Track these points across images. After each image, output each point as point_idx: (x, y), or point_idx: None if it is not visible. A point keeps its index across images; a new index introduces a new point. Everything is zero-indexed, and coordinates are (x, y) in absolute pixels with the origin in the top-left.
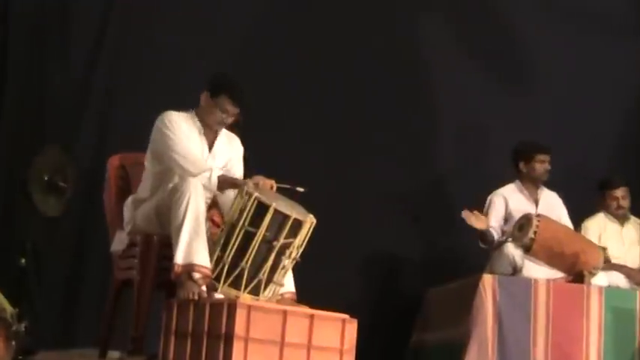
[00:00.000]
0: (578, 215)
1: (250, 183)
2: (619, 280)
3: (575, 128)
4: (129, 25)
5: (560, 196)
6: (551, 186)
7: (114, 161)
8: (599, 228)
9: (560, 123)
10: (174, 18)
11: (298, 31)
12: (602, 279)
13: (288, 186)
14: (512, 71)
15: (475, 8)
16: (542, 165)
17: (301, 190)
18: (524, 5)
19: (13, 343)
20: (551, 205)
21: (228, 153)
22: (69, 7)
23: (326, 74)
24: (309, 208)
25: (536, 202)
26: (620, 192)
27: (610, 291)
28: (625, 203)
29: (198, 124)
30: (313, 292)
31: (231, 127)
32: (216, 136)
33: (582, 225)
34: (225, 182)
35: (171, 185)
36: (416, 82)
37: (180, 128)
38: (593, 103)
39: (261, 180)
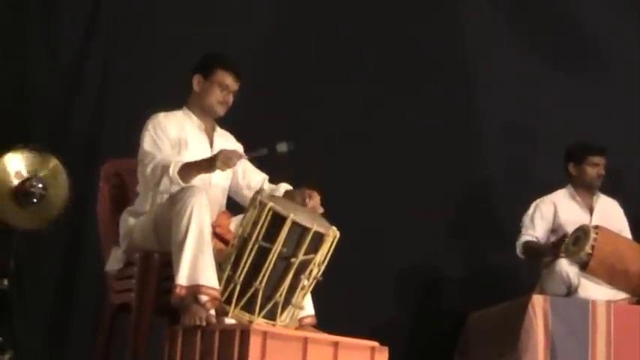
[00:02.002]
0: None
1: (264, 192)
2: None
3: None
4: (123, 14)
5: (621, 204)
6: (611, 192)
7: (108, 168)
8: None
9: (628, 120)
10: (174, 5)
11: (316, 20)
12: None
13: (265, 150)
14: (570, 60)
15: None
16: (594, 168)
17: (284, 149)
18: None
19: None
20: (610, 215)
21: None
22: None
23: (350, 71)
24: (332, 220)
25: (591, 211)
26: None
27: None
28: None
29: (196, 119)
30: (337, 315)
31: None
32: (213, 132)
33: None
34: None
35: (169, 195)
36: (456, 78)
37: (166, 131)
38: None
39: (223, 152)
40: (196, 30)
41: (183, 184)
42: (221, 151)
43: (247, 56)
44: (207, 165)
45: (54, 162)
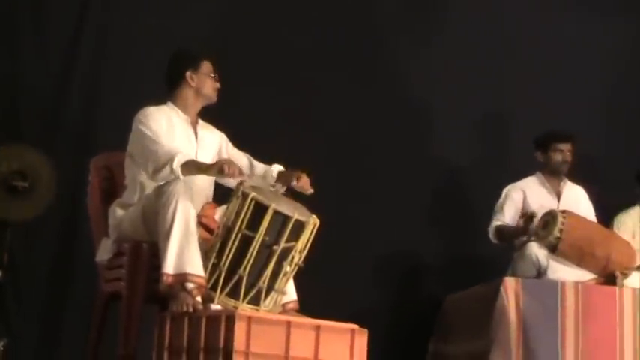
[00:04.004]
0: (610, 210)
1: (246, 183)
2: None
3: (604, 117)
4: (111, 11)
5: (597, 192)
6: (585, 180)
7: (98, 162)
8: (634, 224)
9: (587, 110)
10: (162, 3)
11: (296, 19)
12: (635, 279)
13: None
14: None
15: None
16: (560, 154)
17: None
18: None
19: None
20: (576, 200)
21: (213, 140)
22: None
23: (334, 67)
24: (312, 208)
25: (559, 196)
26: None
27: None
28: None
29: (181, 114)
30: (318, 300)
31: None
32: (197, 124)
33: (615, 220)
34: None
35: (155, 186)
36: (432, 70)
37: (159, 123)
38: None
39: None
40: (186, 30)
41: (181, 178)
42: (225, 161)
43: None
44: (210, 171)
45: (35, 156)
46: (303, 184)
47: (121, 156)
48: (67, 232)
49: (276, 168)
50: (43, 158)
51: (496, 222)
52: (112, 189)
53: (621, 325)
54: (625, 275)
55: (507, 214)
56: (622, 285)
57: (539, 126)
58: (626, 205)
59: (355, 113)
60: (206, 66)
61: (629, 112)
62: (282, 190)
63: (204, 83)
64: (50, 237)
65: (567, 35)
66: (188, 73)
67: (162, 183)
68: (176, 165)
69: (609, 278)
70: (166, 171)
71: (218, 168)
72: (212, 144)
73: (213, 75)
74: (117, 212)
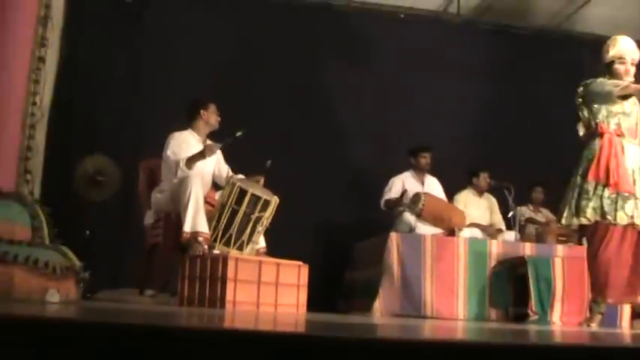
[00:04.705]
0: (452, 191)
1: (234, 177)
2: (477, 233)
3: (447, 134)
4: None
5: (443, 184)
6: (437, 173)
7: (144, 165)
8: (465, 199)
9: (438, 130)
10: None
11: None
12: (466, 233)
13: (230, 140)
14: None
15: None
16: (424, 159)
17: (239, 133)
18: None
19: (81, 285)
20: (433, 186)
21: (216, 154)
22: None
23: (279, 86)
24: (274, 192)
25: (423, 184)
26: (486, 175)
27: (471, 240)
28: (485, 183)
29: (197, 136)
30: (279, 248)
31: None
32: (205, 142)
33: (454, 198)
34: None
35: (178, 180)
36: (350, 98)
37: (180, 144)
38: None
39: (207, 146)
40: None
41: (188, 171)
42: (206, 146)
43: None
44: (200, 156)
45: (107, 161)
46: (260, 182)
47: (158, 161)
48: (127, 207)
49: (240, 176)
50: (112, 162)
51: (386, 197)
52: (153, 180)
53: (458, 260)
54: (460, 230)
55: (393, 193)
56: (458, 236)
57: (413, 141)
58: (460, 188)
59: (294, 130)
60: (212, 107)
61: (466, 135)
62: (261, 181)
63: (210, 118)
64: (117, 211)
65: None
66: (202, 112)
67: (181, 176)
68: (182, 165)
69: (451, 232)
70: (178, 169)
71: (204, 153)
72: (214, 155)
73: (216, 113)
74: (156, 195)
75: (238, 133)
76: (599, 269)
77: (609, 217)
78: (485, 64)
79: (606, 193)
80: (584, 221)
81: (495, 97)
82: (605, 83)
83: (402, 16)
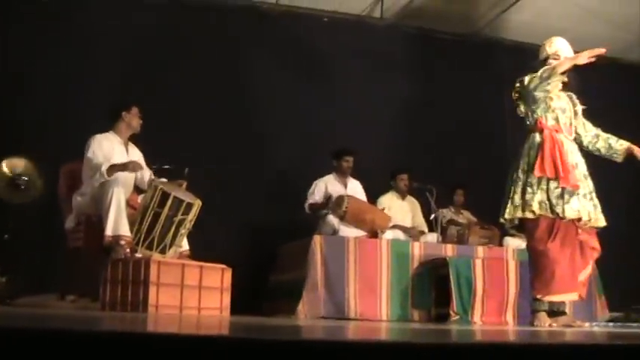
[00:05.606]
0: (375, 194)
1: (157, 180)
2: (400, 235)
3: (370, 137)
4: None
5: (364, 186)
6: (359, 176)
7: (64, 168)
8: (388, 202)
9: (362, 133)
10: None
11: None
12: (389, 235)
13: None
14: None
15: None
16: (346, 163)
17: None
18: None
19: None
20: (356, 189)
21: (137, 155)
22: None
23: (203, 87)
24: (197, 195)
25: (346, 186)
26: (405, 177)
27: (394, 242)
28: (404, 185)
29: (118, 138)
30: (203, 250)
31: None
32: (128, 145)
33: (377, 200)
34: (114, 168)
35: (100, 183)
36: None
37: (101, 146)
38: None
39: (132, 163)
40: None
41: (107, 178)
42: (132, 162)
43: None
44: (123, 167)
45: (30, 164)
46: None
47: (80, 164)
48: (48, 210)
49: (163, 179)
50: (33, 164)
51: (310, 201)
52: (74, 184)
53: (380, 261)
54: (383, 232)
55: (316, 196)
56: (381, 238)
57: (337, 142)
58: (383, 191)
59: (218, 132)
60: (134, 110)
61: (389, 137)
62: (184, 185)
63: (132, 121)
64: (38, 214)
65: (366, 92)
66: (123, 114)
67: (102, 181)
68: (103, 169)
69: (374, 234)
70: (98, 175)
71: (128, 166)
72: (136, 157)
73: (138, 115)
74: (77, 198)
75: (186, 170)
76: (544, 265)
77: (557, 211)
78: (408, 68)
79: (552, 187)
80: (529, 215)
81: (419, 100)
82: (542, 70)
83: (326, 19)
